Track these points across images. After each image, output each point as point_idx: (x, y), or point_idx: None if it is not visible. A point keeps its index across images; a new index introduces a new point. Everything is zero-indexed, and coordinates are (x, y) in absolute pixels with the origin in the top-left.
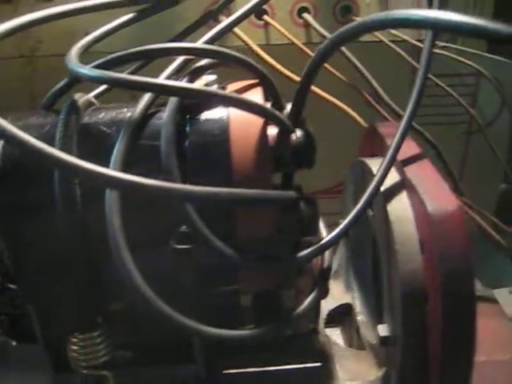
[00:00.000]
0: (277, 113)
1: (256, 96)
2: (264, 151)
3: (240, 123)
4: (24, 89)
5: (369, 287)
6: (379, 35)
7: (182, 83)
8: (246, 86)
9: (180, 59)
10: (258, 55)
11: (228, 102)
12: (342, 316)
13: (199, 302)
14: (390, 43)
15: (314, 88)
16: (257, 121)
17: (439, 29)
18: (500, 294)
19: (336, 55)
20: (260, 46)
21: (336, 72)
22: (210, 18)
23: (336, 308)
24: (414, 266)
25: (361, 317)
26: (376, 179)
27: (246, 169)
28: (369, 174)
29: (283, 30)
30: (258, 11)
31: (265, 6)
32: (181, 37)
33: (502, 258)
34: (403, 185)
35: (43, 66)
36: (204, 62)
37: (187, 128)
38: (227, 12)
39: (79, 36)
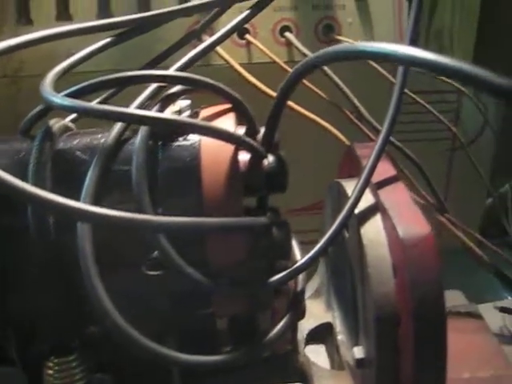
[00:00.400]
0: (247, 140)
1: (228, 122)
2: (235, 177)
3: (211, 149)
4: (9, 109)
5: (348, 307)
6: None
7: (152, 113)
8: (219, 111)
9: (154, 85)
10: (239, 74)
11: (198, 130)
12: (323, 335)
13: (174, 326)
14: (370, 60)
15: (296, 106)
16: (228, 147)
17: (413, 66)
18: (485, 309)
19: (316, 72)
20: (242, 64)
21: (316, 89)
22: (193, 37)
23: (317, 327)
24: (387, 290)
25: (341, 336)
26: (350, 202)
27: (217, 195)
28: (344, 196)
29: (265, 49)
30: (239, 30)
31: (247, 25)
32: (163, 57)
33: (487, 273)
34: (377, 208)
35: (28, 86)
36: (177, 88)
37: (159, 154)
38: (210, 31)
39: (62, 56)
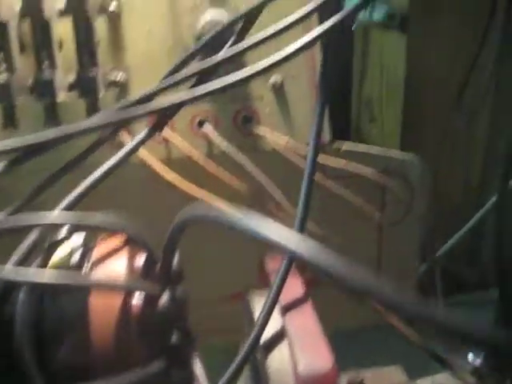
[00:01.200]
0: (139, 284)
1: (120, 263)
2: (127, 323)
3: (101, 296)
4: None
5: None
6: (276, 146)
7: (31, 273)
8: (114, 248)
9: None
10: (156, 173)
11: (82, 286)
12: None
13: None
14: (286, 151)
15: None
16: (119, 292)
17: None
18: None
19: (236, 164)
20: (162, 160)
21: (239, 182)
22: (109, 138)
23: None
24: None
25: None
26: (256, 329)
27: (108, 344)
28: (253, 316)
29: (182, 144)
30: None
31: None
32: (76, 162)
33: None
34: (283, 334)
35: None
36: (64, 231)
37: (47, 303)
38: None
39: None
